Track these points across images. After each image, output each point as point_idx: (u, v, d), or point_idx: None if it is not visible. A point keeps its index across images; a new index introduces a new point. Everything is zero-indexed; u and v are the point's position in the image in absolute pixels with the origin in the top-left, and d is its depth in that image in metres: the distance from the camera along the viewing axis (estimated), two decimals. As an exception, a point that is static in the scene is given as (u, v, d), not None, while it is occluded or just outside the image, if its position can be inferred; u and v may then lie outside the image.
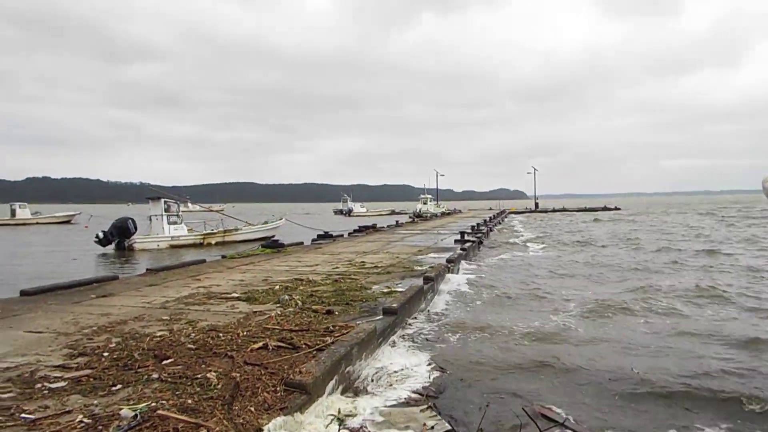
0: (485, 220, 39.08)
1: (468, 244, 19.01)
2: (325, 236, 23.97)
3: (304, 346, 5.41)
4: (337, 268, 12.48)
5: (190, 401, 3.91)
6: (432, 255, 15.78)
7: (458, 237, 21.76)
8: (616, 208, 79.06)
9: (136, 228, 26.88)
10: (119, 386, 4.32)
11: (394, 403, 5.01)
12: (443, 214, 61.78)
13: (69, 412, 3.79)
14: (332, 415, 4.31)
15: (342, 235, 25.09)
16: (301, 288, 9.34)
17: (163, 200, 28.19)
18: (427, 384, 5.57)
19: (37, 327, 6.52)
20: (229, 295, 8.65)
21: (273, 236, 26.50)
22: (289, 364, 4.83)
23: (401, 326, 7.57)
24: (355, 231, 28.39)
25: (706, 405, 5.23)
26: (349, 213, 79.73)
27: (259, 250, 17.40)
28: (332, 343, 5.46)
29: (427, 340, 7.34)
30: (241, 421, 3.61)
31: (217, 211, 40.93)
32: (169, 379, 4.43)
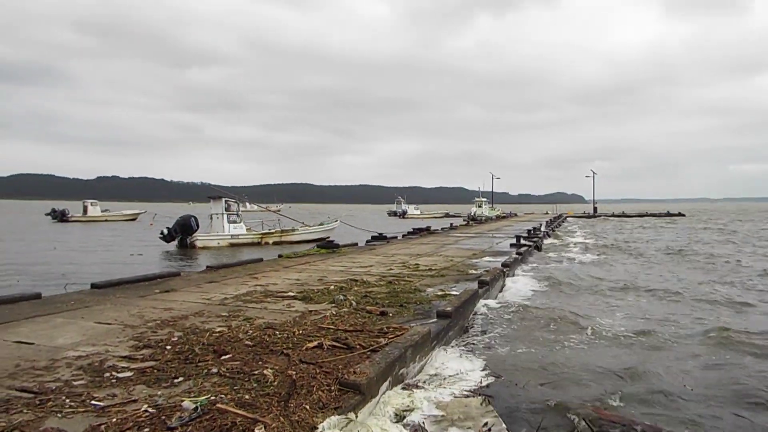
0: (541, 224, 38.26)
1: (524, 248, 18.65)
2: (379, 238, 24.08)
3: (358, 346, 5.44)
4: (391, 269, 12.50)
5: (247, 396, 4.00)
6: (487, 258, 15.58)
7: (514, 241, 21.37)
8: (680, 214, 75.72)
9: (198, 226, 27.84)
10: (181, 378, 4.48)
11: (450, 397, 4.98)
12: (498, 218, 60.94)
13: (135, 401, 3.95)
14: (390, 409, 4.32)
15: (396, 237, 25.13)
16: (356, 289, 9.41)
17: (224, 200, 29.05)
18: (481, 386, 5.50)
19: (106, 319, 6.84)
20: (285, 294, 8.81)
21: (328, 237, 26.86)
22: (344, 363, 4.87)
23: (455, 329, 7.49)
24: (409, 233, 28.38)
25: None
26: (403, 215, 79.82)
27: (314, 251, 17.67)
28: (386, 344, 5.46)
29: (481, 344, 7.22)
30: (297, 418, 3.66)
31: (274, 211, 41.84)
32: (228, 374, 4.55)
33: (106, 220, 61.84)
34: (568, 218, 67.68)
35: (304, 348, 5.35)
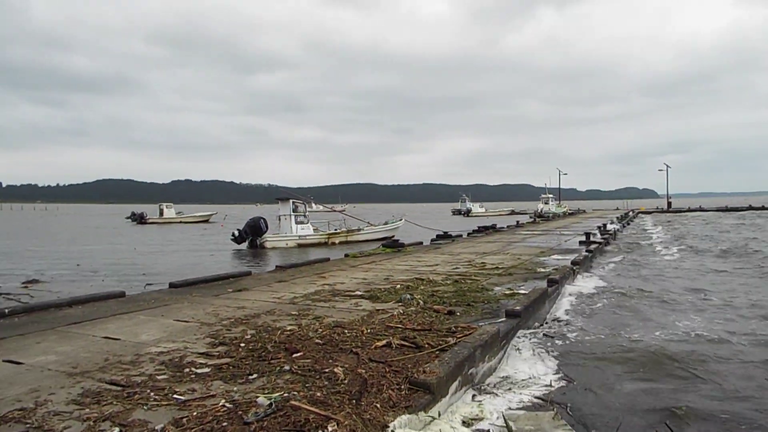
0: (612, 221, 36.83)
1: (594, 246, 18.03)
2: (444, 236, 23.95)
3: (426, 345, 5.42)
4: (457, 268, 12.40)
5: (319, 394, 4.08)
6: (555, 257, 15.17)
7: (583, 238, 20.70)
8: (763, 207, 70.63)
9: (267, 227, 28.62)
10: (255, 375, 4.62)
11: (519, 406, 4.86)
12: (565, 215, 59.17)
13: (213, 396, 4.11)
14: (458, 417, 4.28)
15: (461, 236, 24.92)
16: (422, 287, 9.39)
17: (291, 201, 29.71)
18: (552, 391, 5.35)
19: (184, 317, 7.17)
20: (352, 293, 8.92)
21: (393, 236, 26.96)
22: (413, 363, 4.87)
23: (524, 329, 7.34)
24: (474, 231, 28.07)
25: None
26: (467, 213, 78.95)
27: (380, 250, 17.79)
28: (455, 344, 5.42)
29: (552, 345, 7.02)
30: (368, 416, 3.69)
31: (339, 211, 42.50)
32: (300, 372, 4.65)
33: (180, 222, 64.92)
34: (639, 214, 64.76)
35: (372, 347, 5.39)
